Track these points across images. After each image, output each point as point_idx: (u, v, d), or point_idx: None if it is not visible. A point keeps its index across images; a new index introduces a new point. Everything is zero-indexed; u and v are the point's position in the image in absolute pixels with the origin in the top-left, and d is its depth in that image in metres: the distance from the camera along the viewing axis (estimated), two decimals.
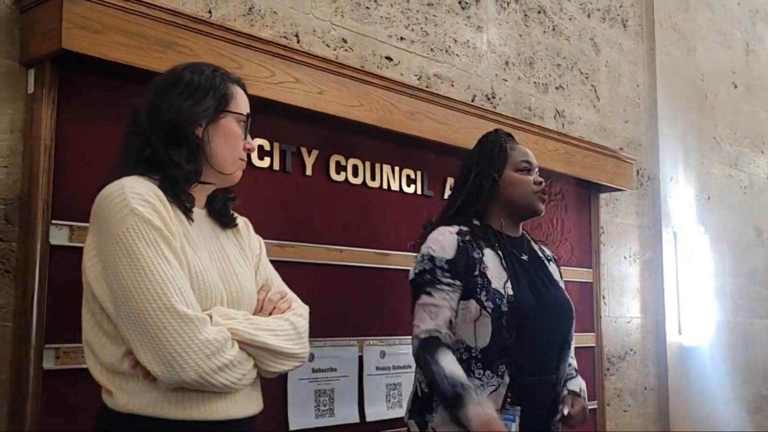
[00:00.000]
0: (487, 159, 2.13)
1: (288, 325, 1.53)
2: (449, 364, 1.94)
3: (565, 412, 2.01)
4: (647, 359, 3.94)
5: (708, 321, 4.33)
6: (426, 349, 1.96)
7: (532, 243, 2.24)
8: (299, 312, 1.58)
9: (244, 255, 1.62)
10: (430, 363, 1.93)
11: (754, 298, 4.87)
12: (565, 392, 2.10)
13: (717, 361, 4.35)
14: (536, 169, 2.17)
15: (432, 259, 2.01)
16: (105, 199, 1.40)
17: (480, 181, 2.11)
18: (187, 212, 1.49)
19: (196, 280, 1.42)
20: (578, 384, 2.15)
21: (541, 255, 2.23)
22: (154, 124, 1.47)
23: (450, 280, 1.99)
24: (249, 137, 1.58)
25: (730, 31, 4.99)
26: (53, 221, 1.78)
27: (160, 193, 1.43)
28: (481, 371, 1.97)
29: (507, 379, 1.97)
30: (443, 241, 2.03)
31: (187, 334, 1.33)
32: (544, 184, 2.16)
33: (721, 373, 4.36)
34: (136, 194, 1.39)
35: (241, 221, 1.68)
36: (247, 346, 1.43)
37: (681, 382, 4.07)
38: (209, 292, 1.44)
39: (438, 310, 1.97)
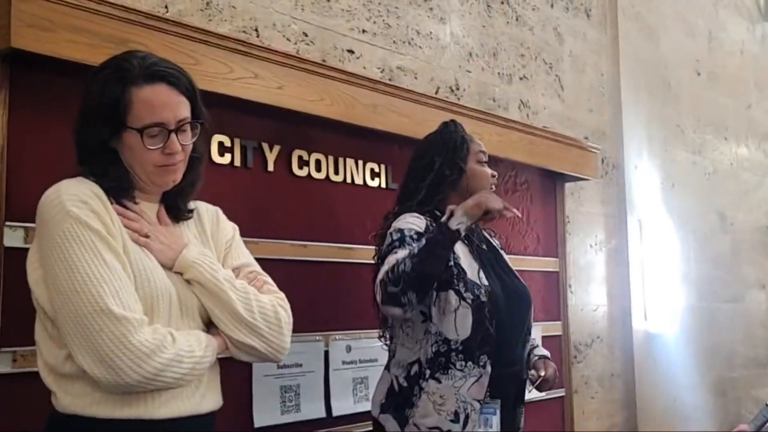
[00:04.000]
0: (452, 149, 2.14)
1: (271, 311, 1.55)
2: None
3: (542, 374, 2.03)
4: (614, 346, 3.98)
5: (673, 307, 4.40)
6: (388, 270, 1.90)
7: (483, 232, 2.25)
8: (280, 302, 1.58)
9: (206, 243, 1.61)
10: (393, 262, 1.88)
11: (718, 283, 4.95)
12: (536, 357, 2.13)
13: (682, 346, 4.41)
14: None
15: (401, 230, 2.00)
16: (43, 203, 1.40)
17: (444, 170, 2.12)
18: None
19: (140, 279, 1.41)
20: (543, 351, 2.19)
21: (494, 244, 2.25)
22: (75, 139, 1.49)
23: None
24: (173, 138, 1.46)
25: (693, 19, 5.04)
26: (7, 223, 1.75)
27: (101, 192, 1.42)
28: (463, 363, 1.97)
29: (489, 369, 1.98)
30: (412, 222, 2.03)
31: (124, 336, 1.32)
32: (496, 176, 2.21)
33: (686, 357, 4.43)
34: (73, 196, 1.38)
35: (212, 210, 1.69)
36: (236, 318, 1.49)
37: (647, 368, 4.13)
38: (155, 289, 1.43)
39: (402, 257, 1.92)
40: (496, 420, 1.99)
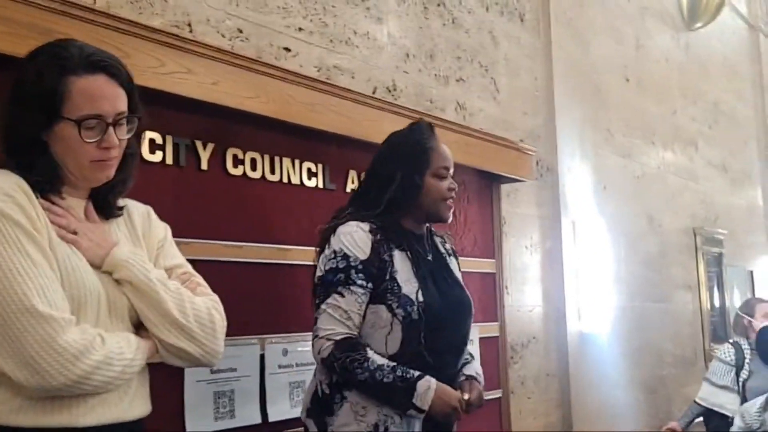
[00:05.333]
0: (412, 161, 2.09)
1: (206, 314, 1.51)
2: (380, 358, 1.92)
3: (465, 397, 1.99)
4: (549, 346, 4.03)
5: (606, 307, 4.48)
6: (346, 349, 1.90)
7: (435, 237, 2.23)
8: (215, 305, 1.55)
9: (137, 243, 1.55)
10: (358, 360, 1.88)
11: (648, 284, 5.08)
12: (462, 377, 2.09)
13: (614, 345, 4.50)
14: (452, 171, 2.16)
15: (346, 257, 1.95)
16: None
17: (402, 188, 2.07)
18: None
19: (67, 277, 1.34)
20: (474, 369, 2.14)
21: (442, 250, 2.22)
22: (2, 130, 1.40)
23: (363, 282, 1.94)
24: (112, 131, 1.41)
25: (621, 26, 5.17)
26: None
27: (26, 186, 1.34)
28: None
29: None
30: (358, 240, 1.98)
31: (51, 336, 1.25)
32: (455, 189, 2.15)
33: (618, 357, 4.52)
34: None
35: (143, 209, 1.63)
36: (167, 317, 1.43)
37: (581, 367, 4.18)
38: (83, 288, 1.36)
39: (348, 315, 1.93)
40: (418, 423, 1.97)
